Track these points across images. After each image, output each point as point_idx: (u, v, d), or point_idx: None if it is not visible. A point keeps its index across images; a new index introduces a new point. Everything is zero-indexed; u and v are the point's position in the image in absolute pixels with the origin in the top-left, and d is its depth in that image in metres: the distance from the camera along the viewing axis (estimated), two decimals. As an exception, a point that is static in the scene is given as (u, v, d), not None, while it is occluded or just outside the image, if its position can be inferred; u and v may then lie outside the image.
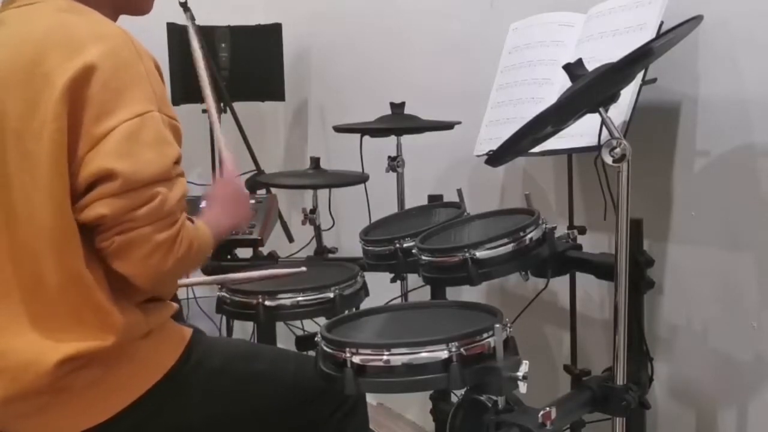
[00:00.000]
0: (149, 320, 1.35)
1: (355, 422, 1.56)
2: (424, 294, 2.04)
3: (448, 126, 2.24)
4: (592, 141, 1.49)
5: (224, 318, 2.66)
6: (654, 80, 1.69)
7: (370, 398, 1.69)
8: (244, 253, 2.29)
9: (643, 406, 1.59)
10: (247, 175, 2.73)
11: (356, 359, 1.29)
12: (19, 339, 1.28)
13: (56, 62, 1.23)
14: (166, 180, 1.25)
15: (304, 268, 1.91)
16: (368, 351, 1.30)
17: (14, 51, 1.28)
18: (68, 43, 1.25)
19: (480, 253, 1.53)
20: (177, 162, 1.29)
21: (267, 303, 1.73)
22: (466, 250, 1.53)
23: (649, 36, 1.62)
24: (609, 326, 1.67)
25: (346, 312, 1.67)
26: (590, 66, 1.44)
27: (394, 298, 2.10)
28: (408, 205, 2.32)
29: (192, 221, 1.34)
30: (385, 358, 1.28)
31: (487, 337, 1.31)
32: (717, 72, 1.72)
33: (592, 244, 1.88)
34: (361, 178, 2.32)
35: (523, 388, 1.30)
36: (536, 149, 1.72)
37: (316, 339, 1.39)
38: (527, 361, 1.32)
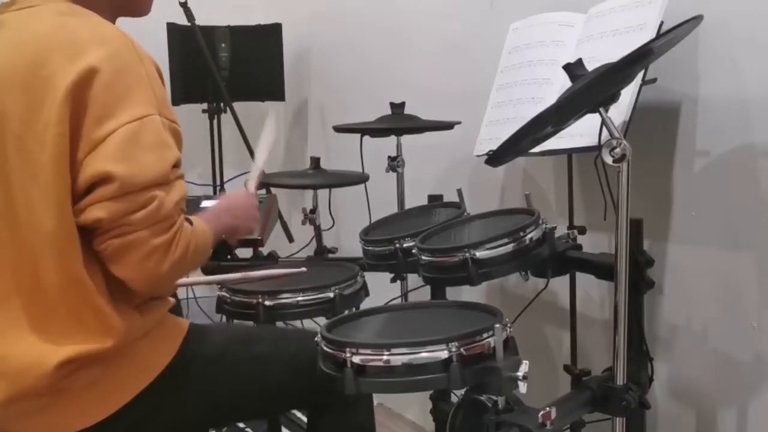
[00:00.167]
0: (147, 320, 1.36)
1: (361, 405, 1.56)
2: (424, 294, 2.04)
3: (448, 126, 2.25)
4: (592, 141, 1.49)
5: (224, 318, 2.66)
6: (654, 80, 1.69)
7: (371, 398, 1.68)
8: (244, 253, 2.29)
9: (643, 406, 1.59)
10: (248, 175, 2.73)
11: (356, 359, 1.29)
12: (19, 342, 1.28)
13: (58, 65, 1.23)
14: (163, 184, 1.25)
15: (304, 269, 1.91)
16: (368, 351, 1.30)
17: (15, 53, 1.28)
18: (70, 46, 1.25)
19: (480, 253, 1.53)
20: (176, 165, 1.29)
21: (267, 303, 1.73)
22: (466, 250, 1.53)
23: (649, 36, 1.62)
24: (609, 326, 1.66)
25: (346, 312, 1.67)
26: (590, 66, 1.44)
27: (394, 298, 2.10)
28: (408, 205, 2.32)
29: (190, 222, 1.34)
30: (385, 358, 1.28)
31: (487, 337, 1.31)
32: (717, 72, 1.72)
33: (592, 244, 1.88)
34: (361, 178, 2.32)
35: (523, 388, 1.30)
36: (536, 149, 1.72)
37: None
38: (527, 361, 1.32)
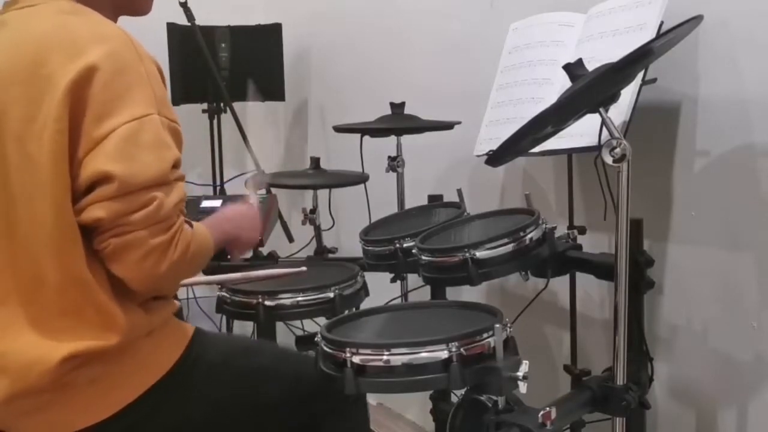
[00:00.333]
0: (152, 319, 1.36)
1: (356, 418, 1.56)
2: (424, 294, 2.04)
3: (448, 126, 2.24)
4: (592, 141, 1.49)
5: (224, 318, 2.66)
6: (654, 80, 1.69)
7: (371, 398, 1.68)
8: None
9: (643, 406, 1.59)
10: (248, 175, 2.73)
11: (356, 359, 1.29)
12: (20, 340, 1.28)
13: (58, 64, 1.23)
14: (163, 184, 1.25)
15: (304, 268, 1.91)
16: (368, 351, 1.30)
17: (16, 52, 1.28)
18: (70, 45, 1.25)
19: (480, 253, 1.53)
20: (176, 166, 1.29)
21: (267, 303, 1.73)
22: (466, 250, 1.53)
23: (649, 36, 1.62)
24: (609, 326, 1.66)
25: (346, 312, 1.68)
26: (590, 66, 1.44)
27: (394, 298, 2.10)
28: (408, 205, 2.32)
29: (191, 225, 1.34)
30: (385, 358, 1.28)
31: (487, 337, 1.31)
32: (717, 72, 1.72)
33: (592, 244, 1.88)
34: (361, 178, 2.32)
35: (523, 388, 1.30)
36: (536, 149, 1.72)
37: (316, 339, 1.39)
38: (527, 361, 1.32)
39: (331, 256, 2.36)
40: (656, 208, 1.84)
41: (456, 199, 2.05)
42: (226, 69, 3.10)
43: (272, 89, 3.21)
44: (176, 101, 2.99)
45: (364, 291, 1.86)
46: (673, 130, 1.80)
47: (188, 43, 2.98)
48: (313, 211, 2.36)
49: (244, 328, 3.05)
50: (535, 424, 1.33)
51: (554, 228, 1.61)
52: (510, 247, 1.54)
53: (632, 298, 1.48)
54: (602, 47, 1.73)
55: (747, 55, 1.66)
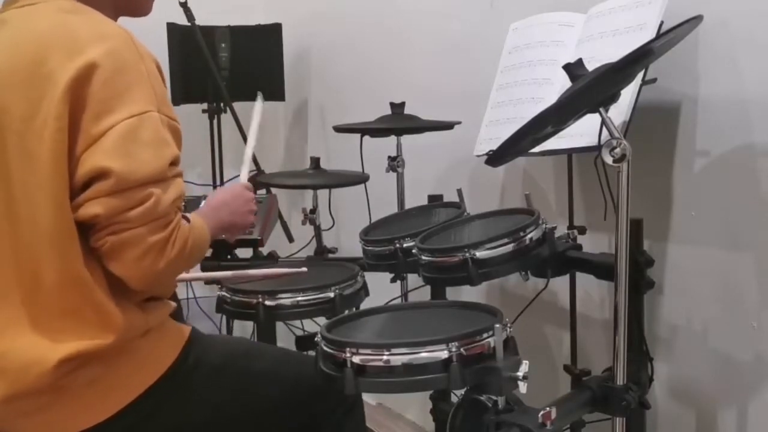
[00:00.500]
0: (149, 319, 1.36)
1: (353, 421, 1.56)
2: (424, 294, 2.04)
3: (448, 126, 2.24)
4: (592, 141, 1.49)
5: (224, 318, 2.66)
6: (654, 80, 1.69)
7: (370, 398, 1.69)
8: (244, 253, 2.29)
9: (643, 406, 1.59)
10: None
11: (356, 359, 1.29)
12: (19, 339, 1.28)
13: (58, 62, 1.24)
14: (161, 181, 1.25)
15: (305, 269, 1.91)
16: (368, 351, 1.30)
17: (16, 51, 1.28)
18: (70, 44, 1.25)
19: (480, 253, 1.53)
20: (174, 163, 1.29)
21: (267, 303, 1.74)
22: (466, 250, 1.53)
23: (649, 36, 1.62)
24: (609, 326, 1.66)
25: (346, 312, 1.68)
26: (590, 66, 1.44)
27: (394, 298, 2.10)
28: (408, 205, 2.32)
29: (187, 219, 1.34)
30: (385, 358, 1.28)
31: (487, 337, 1.31)
32: (717, 72, 1.72)
33: (592, 244, 1.88)
34: (361, 178, 2.32)
35: (523, 388, 1.30)
36: (536, 149, 1.72)
37: (316, 339, 1.39)
38: (527, 361, 1.32)
39: (331, 256, 2.36)
40: (656, 208, 1.84)
41: (456, 199, 2.05)
42: (226, 69, 3.10)
43: (272, 89, 3.21)
44: (176, 101, 2.99)
45: (364, 291, 1.86)
46: (673, 130, 1.80)
47: (188, 43, 2.98)
48: (313, 211, 2.36)
49: (244, 328, 3.06)
50: (535, 424, 1.32)
51: (554, 228, 1.61)
52: (510, 247, 1.54)
53: (632, 298, 1.48)
54: (602, 47, 1.73)
55: (747, 55, 1.66)
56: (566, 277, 1.89)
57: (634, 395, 1.49)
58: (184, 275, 1.78)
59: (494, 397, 1.33)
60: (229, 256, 2.24)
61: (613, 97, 1.44)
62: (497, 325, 1.29)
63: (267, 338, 2.00)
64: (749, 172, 1.67)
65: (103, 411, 1.31)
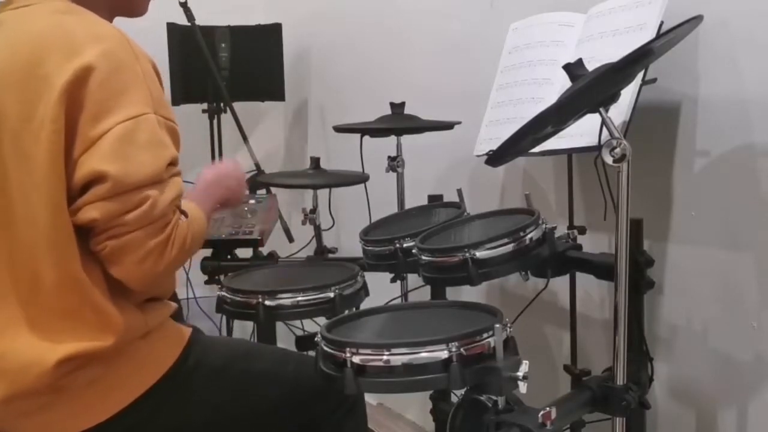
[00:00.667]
0: (148, 320, 1.36)
1: (354, 421, 1.56)
2: (424, 294, 2.04)
3: (448, 126, 2.24)
4: (592, 141, 1.49)
5: (224, 318, 2.66)
6: (654, 80, 1.69)
7: (370, 398, 1.69)
8: (244, 253, 2.29)
9: (643, 406, 1.59)
10: (247, 175, 2.73)
11: (356, 359, 1.29)
12: (18, 340, 1.28)
13: (54, 64, 1.23)
14: (157, 183, 1.25)
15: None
16: (368, 351, 1.30)
17: (12, 53, 1.28)
18: (66, 45, 1.25)
19: (480, 253, 1.53)
20: (172, 164, 1.28)
21: (267, 303, 1.73)
22: (466, 250, 1.53)
23: (649, 36, 1.62)
24: (609, 326, 1.66)
25: (346, 312, 1.67)
26: (590, 66, 1.44)
27: (394, 298, 2.10)
28: (408, 205, 2.32)
29: (185, 214, 1.33)
30: (385, 358, 1.28)
31: (487, 337, 1.31)
32: (717, 72, 1.72)
33: (592, 244, 1.88)
34: (361, 178, 2.32)
35: (523, 388, 1.30)
36: (536, 149, 1.72)
37: (316, 339, 1.39)
38: (527, 361, 1.32)
39: (331, 256, 2.36)
40: (656, 208, 1.84)
41: (456, 199, 2.05)
42: (226, 69, 3.10)
43: (272, 89, 3.21)
44: (176, 101, 2.99)
45: (364, 291, 1.86)
46: (673, 130, 1.80)
47: (188, 43, 2.98)
48: (313, 211, 2.36)
49: (244, 328, 3.06)
50: (535, 424, 1.32)
51: (554, 228, 1.60)
52: (510, 247, 1.54)
53: (632, 298, 1.48)
54: (602, 47, 1.73)
55: (747, 55, 1.66)
56: (566, 277, 1.89)
57: (634, 395, 1.49)
58: None
59: (494, 397, 1.33)
60: (229, 256, 2.24)
61: (613, 97, 1.44)
62: (497, 325, 1.29)
63: (267, 338, 2.00)
64: (749, 172, 1.67)
65: (103, 411, 1.31)
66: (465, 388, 1.36)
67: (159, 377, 1.35)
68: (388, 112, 2.27)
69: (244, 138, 2.94)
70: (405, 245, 1.79)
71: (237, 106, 3.00)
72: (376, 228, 2.04)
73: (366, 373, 1.30)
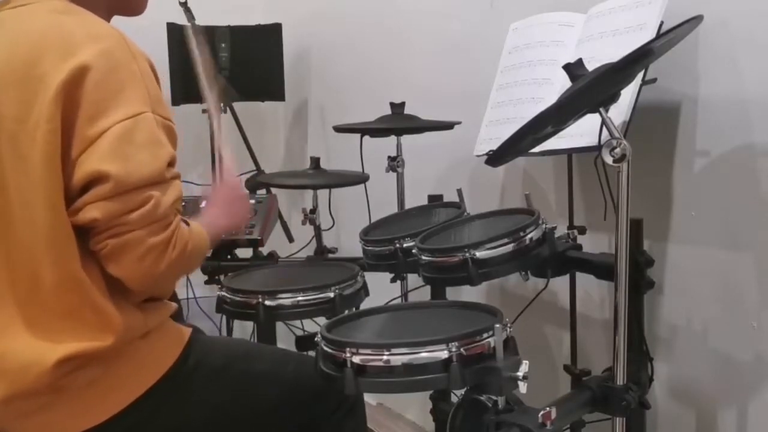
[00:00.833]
0: (148, 320, 1.35)
1: (353, 421, 1.56)
2: (424, 294, 2.04)
3: (448, 126, 2.24)
4: (592, 141, 1.49)
5: (224, 318, 2.66)
6: (654, 80, 1.69)
7: (370, 398, 1.69)
8: (244, 253, 2.29)
9: (643, 406, 1.59)
10: (247, 175, 2.73)
11: (356, 359, 1.29)
12: (17, 340, 1.28)
13: (51, 64, 1.23)
14: (159, 183, 1.25)
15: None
16: (368, 351, 1.30)
17: (9, 53, 1.28)
18: (63, 45, 1.25)
19: (480, 253, 1.53)
20: (171, 164, 1.28)
21: (267, 303, 1.73)
22: (466, 250, 1.53)
23: (649, 36, 1.62)
24: (609, 326, 1.66)
25: (346, 312, 1.67)
26: (590, 66, 1.44)
27: (394, 298, 2.10)
28: (408, 205, 2.32)
29: (187, 223, 1.34)
30: (385, 358, 1.28)
31: (487, 337, 1.31)
32: (717, 72, 1.72)
33: (592, 244, 1.88)
34: (361, 178, 2.32)
35: (523, 388, 1.30)
36: (536, 149, 1.72)
37: (316, 339, 1.39)
38: (527, 361, 1.32)
39: (331, 256, 2.36)
40: (656, 208, 1.84)
41: (456, 199, 2.05)
42: (226, 69, 3.10)
43: (272, 89, 3.21)
44: (176, 101, 2.99)
45: (364, 291, 1.86)
46: (673, 130, 1.80)
47: (188, 43, 2.98)
48: (313, 211, 2.36)
49: (244, 328, 3.05)
50: (535, 424, 1.32)
51: (554, 228, 1.60)
52: (510, 247, 1.54)
53: (632, 298, 1.48)
54: (602, 47, 1.73)
55: (747, 55, 1.66)
56: (566, 277, 1.89)
57: (634, 395, 1.49)
58: None
59: (494, 397, 1.33)
60: (229, 256, 2.24)
61: (613, 97, 1.44)
62: (497, 325, 1.29)
63: (267, 338, 2.00)
64: (749, 172, 1.67)
65: (102, 412, 1.31)
66: (465, 388, 1.36)
67: (159, 377, 1.35)
68: (388, 112, 2.27)
69: (244, 138, 2.94)
70: (405, 245, 1.79)
71: (237, 106, 3.00)
72: (376, 228, 2.04)
73: (366, 373, 1.30)
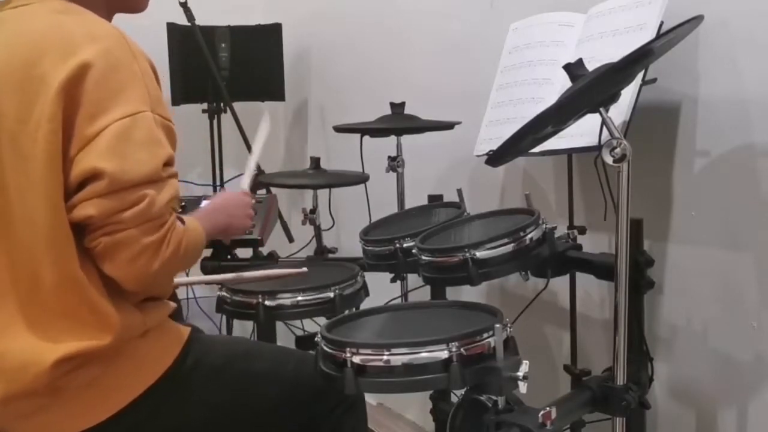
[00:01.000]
0: (147, 320, 1.35)
1: (354, 419, 1.56)
2: (424, 294, 2.04)
3: (448, 126, 2.24)
4: (592, 141, 1.49)
5: (224, 318, 2.66)
6: (654, 80, 1.69)
7: (370, 398, 1.69)
8: (244, 253, 2.29)
9: (643, 406, 1.59)
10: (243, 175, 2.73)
11: (356, 359, 1.29)
12: (16, 340, 1.28)
13: (51, 64, 1.23)
14: (155, 181, 1.24)
15: (305, 269, 1.91)
16: (368, 351, 1.30)
17: (10, 53, 1.28)
18: (63, 45, 1.25)
19: (480, 253, 1.53)
20: (168, 163, 1.28)
21: (267, 303, 1.73)
22: (466, 250, 1.53)
23: (649, 36, 1.62)
24: (609, 326, 1.66)
25: (346, 312, 1.67)
26: (590, 66, 1.44)
27: (394, 298, 2.10)
28: (408, 205, 2.32)
29: (183, 221, 1.33)
30: (385, 358, 1.28)
31: (487, 337, 1.31)
32: (717, 72, 1.72)
33: (592, 244, 1.88)
34: (361, 178, 2.32)
35: (523, 388, 1.30)
36: (536, 149, 1.72)
37: (316, 339, 1.39)
38: (527, 361, 1.32)
39: (331, 256, 2.36)
40: (656, 208, 1.84)
41: (456, 199, 2.05)
42: (226, 69, 3.10)
43: (272, 89, 3.21)
44: (176, 101, 3.00)
45: (364, 291, 1.86)
46: (673, 130, 1.80)
47: (188, 43, 2.98)
48: (313, 211, 2.36)
49: (244, 327, 3.06)
50: (535, 424, 1.32)
51: (554, 228, 1.61)
52: (510, 247, 1.54)
53: (632, 298, 1.48)
54: (602, 47, 1.73)
55: (747, 55, 1.66)
56: (566, 277, 1.89)
57: (634, 395, 1.49)
58: (184, 279, 1.79)
59: (494, 397, 1.33)
60: (229, 256, 2.24)
61: (613, 97, 1.44)
62: (497, 325, 1.29)
63: (267, 338, 2.00)
64: (749, 172, 1.67)
65: (101, 412, 1.31)
66: (465, 388, 1.36)
67: (158, 377, 1.35)
68: (388, 112, 2.27)
69: (244, 138, 2.94)
70: (405, 245, 1.79)
71: (237, 106, 3.00)
72: (376, 228, 2.04)
73: (366, 373, 1.30)
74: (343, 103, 3.11)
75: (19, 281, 1.29)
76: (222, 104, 3.11)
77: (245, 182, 1.76)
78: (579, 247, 1.76)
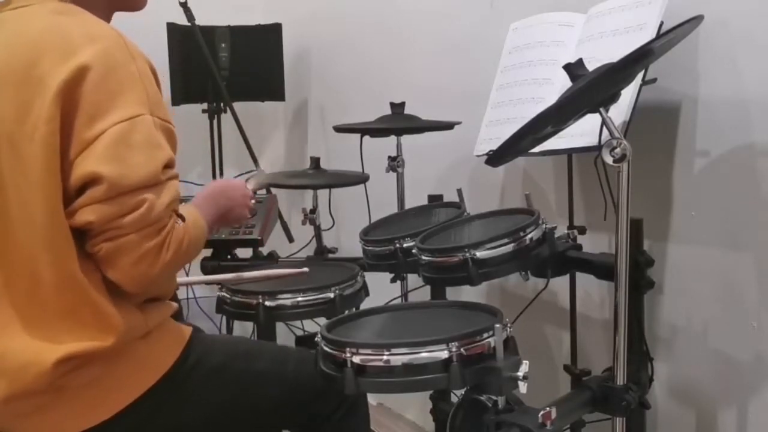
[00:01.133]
0: (148, 320, 1.35)
1: (356, 421, 1.56)
2: (424, 294, 2.04)
3: (448, 126, 2.25)
4: (592, 141, 1.49)
5: (224, 318, 2.66)
6: (654, 80, 1.69)
7: (370, 398, 1.69)
8: (244, 253, 2.29)
9: (643, 406, 1.59)
10: (248, 175, 2.73)
11: (356, 359, 1.29)
12: (16, 340, 1.28)
13: (50, 65, 1.23)
14: (154, 185, 1.24)
15: (306, 269, 1.91)
16: (368, 351, 1.30)
17: (9, 54, 1.28)
18: (62, 46, 1.25)
19: (480, 253, 1.53)
20: (168, 166, 1.28)
21: (267, 303, 1.73)
22: (466, 250, 1.53)
23: (649, 36, 1.62)
24: (609, 326, 1.66)
25: (346, 312, 1.67)
26: (590, 66, 1.44)
27: (394, 298, 2.10)
28: (408, 205, 2.32)
29: (182, 217, 1.33)
30: (385, 358, 1.28)
31: (487, 337, 1.31)
32: (717, 72, 1.72)
33: (592, 244, 1.88)
34: (361, 178, 2.32)
35: (523, 388, 1.30)
36: (536, 149, 1.72)
37: (316, 339, 1.39)
38: (527, 361, 1.32)
39: (331, 256, 2.36)
40: (656, 208, 1.84)
41: (456, 199, 2.05)
42: (226, 69, 3.10)
43: (272, 89, 3.21)
44: (176, 101, 3.00)
45: (364, 291, 1.86)
46: (673, 130, 1.80)
47: (188, 43, 2.98)
48: (313, 211, 2.36)
49: (244, 328, 3.05)
50: (535, 424, 1.32)
51: (554, 228, 1.61)
52: (510, 247, 1.54)
53: (632, 298, 1.48)
54: (602, 47, 1.73)
55: (747, 55, 1.66)
56: (566, 277, 1.89)
57: (634, 395, 1.49)
58: (184, 279, 1.79)
59: (494, 397, 1.33)
60: (229, 256, 2.24)
61: (613, 97, 1.44)
62: (497, 325, 1.29)
63: (267, 338, 1.99)
64: (749, 172, 1.67)
65: (103, 411, 1.31)
66: (465, 388, 1.36)
67: (159, 377, 1.35)
68: (388, 112, 2.27)
69: (244, 138, 2.94)
70: (405, 245, 1.79)
71: (237, 106, 3.00)
72: (376, 228, 2.04)
73: (366, 373, 1.30)
74: (343, 103, 3.11)
75: (19, 281, 1.29)
76: (222, 104, 3.11)
77: (251, 184, 1.76)
78: (579, 247, 1.76)
